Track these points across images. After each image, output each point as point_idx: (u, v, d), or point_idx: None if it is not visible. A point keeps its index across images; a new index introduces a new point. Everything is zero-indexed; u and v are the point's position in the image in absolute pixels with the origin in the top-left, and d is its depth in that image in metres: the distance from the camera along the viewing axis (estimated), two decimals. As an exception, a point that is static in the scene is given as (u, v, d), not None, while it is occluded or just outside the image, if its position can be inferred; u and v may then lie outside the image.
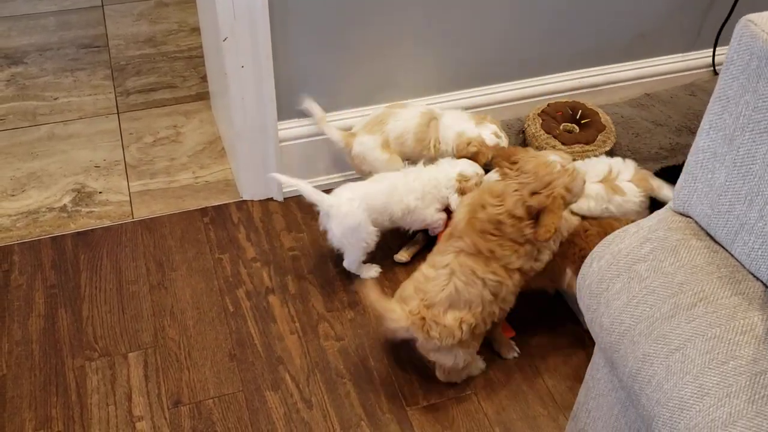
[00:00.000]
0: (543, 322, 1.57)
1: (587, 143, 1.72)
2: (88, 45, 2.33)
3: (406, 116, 1.67)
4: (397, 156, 1.67)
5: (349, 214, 1.52)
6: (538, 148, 1.75)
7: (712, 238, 0.76)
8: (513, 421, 1.40)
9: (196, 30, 2.38)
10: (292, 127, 1.74)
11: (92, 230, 1.73)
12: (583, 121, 1.80)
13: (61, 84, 2.16)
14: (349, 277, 1.63)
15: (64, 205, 1.79)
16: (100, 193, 1.83)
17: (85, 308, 1.56)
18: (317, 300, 1.60)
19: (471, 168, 1.62)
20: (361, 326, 1.55)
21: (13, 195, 1.81)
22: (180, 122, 2.05)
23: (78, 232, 1.72)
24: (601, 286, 0.80)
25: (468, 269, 1.30)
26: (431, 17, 1.70)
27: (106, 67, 2.24)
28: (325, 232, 1.57)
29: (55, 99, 2.11)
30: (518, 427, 1.39)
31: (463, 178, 1.59)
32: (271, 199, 1.83)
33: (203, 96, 2.14)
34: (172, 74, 2.22)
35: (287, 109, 1.71)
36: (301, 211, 1.79)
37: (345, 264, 1.62)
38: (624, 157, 1.62)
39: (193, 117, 2.07)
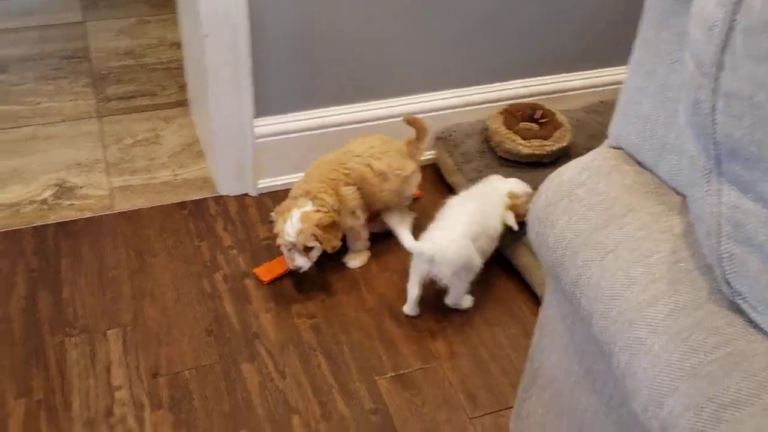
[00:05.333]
0: (499, 299, 1.67)
1: (545, 138, 1.85)
2: (69, 56, 2.42)
3: None
4: None
5: (457, 253, 1.52)
6: (499, 143, 1.87)
7: (639, 164, 0.87)
8: (477, 388, 1.48)
9: (175, 44, 2.49)
10: (269, 124, 1.84)
11: (73, 221, 1.79)
12: (541, 120, 1.93)
13: (42, 90, 2.25)
14: (321, 264, 1.72)
15: (45, 199, 1.85)
16: (81, 187, 1.90)
17: (65, 291, 1.62)
18: (290, 283, 1.67)
19: (521, 187, 1.71)
20: (332, 307, 1.63)
21: (-4, 189, 1.87)
22: (159, 126, 2.14)
23: (59, 222, 1.79)
24: (547, 210, 0.90)
25: None
26: (414, 15, 1.81)
27: (88, 75, 2.33)
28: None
29: (37, 104, 2.19)
30: (482, 393, 1.47)
31: (513, 196, 1.67)
32: (246, 194, 1.92)
33: (182, 103, 2.23)
34: (151, 84, 2.32)
35: (264, 105, 1.81)
36: (274, 205, 1.87)
37: (450, 301, 1.60)
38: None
39: (172, 122, 2.16)
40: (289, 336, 1.56)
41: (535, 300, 1.67)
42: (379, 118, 1.93)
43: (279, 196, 1.89)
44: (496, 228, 1.64)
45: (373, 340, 1.56)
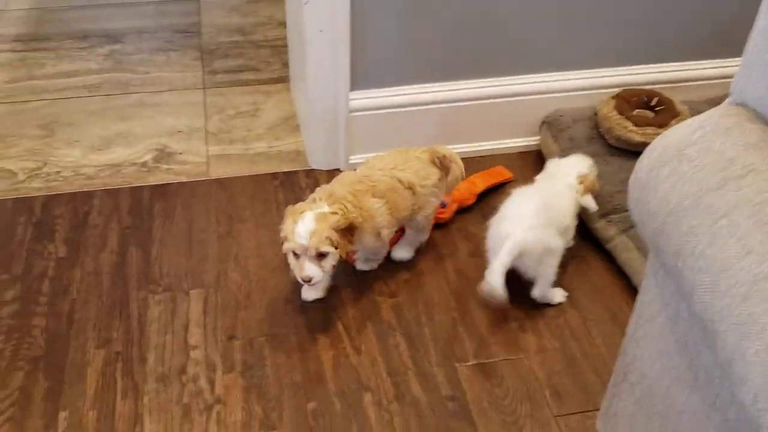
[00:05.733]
0: (598, 296, 1.55)
1: (660, 126, 1.70)
2: (182, 30, 2.47)
3: None
4: None
5: (536, 241, 1.42)
6: (609, 129, 1.74)
7: (766, 122, 0.75)
8: (565, 386, 1.37)
9: (282, 24, 2.49)
10: (364, 98, 1.79)
11: (169, 184, 1.81)
12: (657, 108, 1.78)
13: (153, 61, 2.30)
14: (409, 243, 1.65)
15: (146, 162, 1.88)
16: (180, 153, 1.92)
17: (154, 249, 1.63)
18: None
19: (583, 163, 1.62)
20: (416, 287, 1.56)
21: (100, 150, 1.92)
22: (260, 100, 2.14)
23: (156, 184, 1.81)
24: (649, 175, 0.79)
25: None
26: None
27: (197, 49, 2.37)
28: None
29: (147, 73, 2.24)
30: (570, 392, 1.35)
31: (584, 178, 1.58)
32: (337, 169, 1.88)
33: (283, 80, 2.23)
34: (257, 59, 2.33)
35: (360, 78, 1.77)
36: (367, 182, 1.83)
37: (538, 293, 1.50)
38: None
39: (273, 96, 2.15)
40: (368, 313, 1.50)
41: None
42: (479, 98, 1.84)
43: (372, 173, 1.84)
44: (568, 210, 1.53)
45: (456, 326, 1.48)
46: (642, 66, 1.92)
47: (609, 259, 1.63)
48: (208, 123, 2.03)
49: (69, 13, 2.53)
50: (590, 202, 1.58)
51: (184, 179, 1.83)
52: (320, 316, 1.49)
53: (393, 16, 1.70)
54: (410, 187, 1.50)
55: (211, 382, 1.35)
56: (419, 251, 1.63)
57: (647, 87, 1.89)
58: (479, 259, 1.62)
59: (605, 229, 1.63)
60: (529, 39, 1.80)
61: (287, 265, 1.58)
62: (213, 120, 2.05)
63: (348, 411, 1.31)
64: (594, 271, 1.61)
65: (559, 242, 1.47)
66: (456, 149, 1.72)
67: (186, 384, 1.35)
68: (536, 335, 1.47)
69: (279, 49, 2.38)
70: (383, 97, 1.80)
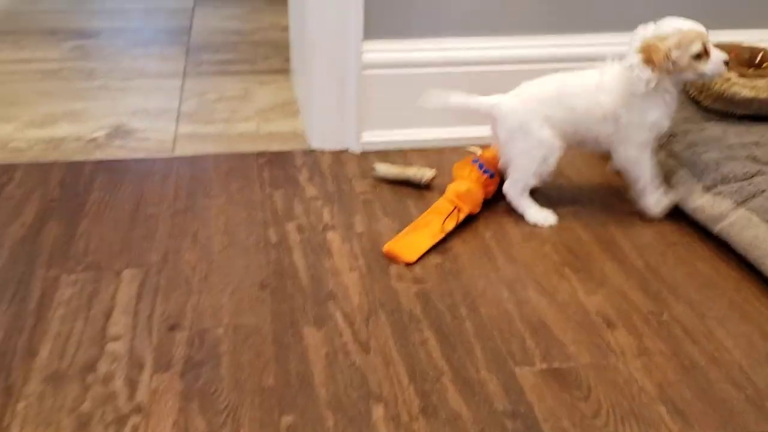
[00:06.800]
0: (714, 286, 1.06)
1: (775, 75, 1.26)
2: (168, 30, 2.12)
3: None
4: None
5: (513, 110, 1.18)
6: (705, 87, 1.31)
7: None
8: (688, 400, 0.86)
9: (287, 29, 2.14)
10: (381, 51, 1.38)
11: (120, 160, 1.38)
12: (764, 65, 1.35)
13: (129, 53, 1.93)
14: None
15: (96, 138, 1.46)
16: (141, 131, 1.50)
17: (83, 224, 1.17)
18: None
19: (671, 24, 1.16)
20: (452, 273, 1.08)
21: (41, 126, 1.50)
22: (253, 87, 1.74)
23: (102, 160, 1.38)
24: None
25: None
26: None
27: (184, 44, 2.00)
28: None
29: (118, 62, 1.86)
30: (697, 408, 0.85)
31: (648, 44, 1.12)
32: (346, 150, 1.44)
33: (284, 71, 1.84)
34: (253, 54, 1.95)
35: (377, 24, 1.36)
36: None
37: (504, 187, 1.22)
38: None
39: (269, 85, 1.76)
40: (381, 301, 1.01)
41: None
42: (527, 60, 1.43)
43: (390, 156, 1.41)
44: (586, 110, 1.17)
45: (512, 319, 0.99)
46: (734, 30, 1.51)
47: (718, 243, 1.16)
48: (183, 105, 1.62)
49: (44, 15, 2.20)
50: (646, 73, 1.11)
51: (141, 156, 1.40)
52: (310, 303, 1.00)
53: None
54: None
55: (132, 385, 0.86)
56: (453, 232, 1.17)
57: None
58: (535, 243, 1.15)
59: (714, 204, 1.16)
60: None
61: (267, 245, 1.13)
62: (189, 102, 1.64)
63: (347, 429, 0.81)
64: (702, 260, 1.13)
65: (544, 135, 1.16)
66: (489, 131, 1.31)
67: (91, 386, 0.85)
68: (632, 334, 0.97)
69: (280, 47, 2.00)
70: (405, 51, 1.39)
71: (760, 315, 1.02)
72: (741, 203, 1.14)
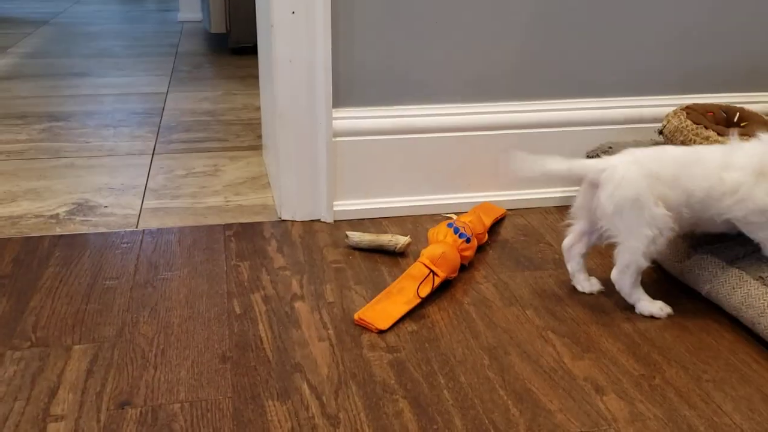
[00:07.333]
0: (708, 348, 0.99)
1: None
2: (139, 112, 2.10)
3: None
4: None
5: (626, 179, 1.04)
6: (683, 143, 1.29)
7: None
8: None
9: (259, 108, 2.13)
10: (352, 118, 1.36)
11: (80, 234, 1.32)
12: (743, 124, 1.34)
13: (98, 133, 1.89)
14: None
15: (57, 214, 1.40)
16: (105, 207, 1.44)
17: (35, 299, 1.09)
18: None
19: None
20: (428, 340, 1.01)
21: (0, 204, 1.45)
22: (223, 162, 1.70)
23: (61, 234, 1.31)
24: None
25: None
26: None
27: (155, 125, 1.98)
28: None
29: (87, 142, 1.82)
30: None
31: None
32: (318, 220, 1.39)
33: (256, 148, 1.81)
34: (225, 132, 1.93)
35: (347, 91, 1.34)
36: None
37: (613, 276, 1.08)
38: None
39: (239, 161, 1.72)
40: (352, 371, 0.94)
41: (773, 348, 0.99)
42: (501, 127, 1.41)
43: (364, 225, 1.36)
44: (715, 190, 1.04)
45: (494, 388, 0.91)
46: (703, 95, 1.51)
47: (707, 303, 1.10)
48: (150, 181, 1.58)
49: (15, 100, 2.18)
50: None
51: (102, 230, 1.34)
52: (275, 376, 0.92)
53: (385, 8, 1.31)
54: None
55: (72, 469, 0.77)
56: (429, 298, 1.10)
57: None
58: (516, 308, 1.09)
59: (702, 264, 1.12)
60: (570, 56, 1.41)
61: (231, 316, 1.06)
62: (157, 179, 1.59)
63: None
64: (692, 321, 1.07)
65: (658, 213, 1.03)
66: (466, 198, 1.29)
67: (25, 471, 0.76)
68: (623, 399, 0.90)
69: (253, 125, 1.99)
70: (376, 118, 1.36)
71: (758, 376, 0.95)
72: (730, 263, 1.09)
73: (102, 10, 4.18)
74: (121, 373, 0.92)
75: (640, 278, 1.08)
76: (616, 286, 1.09)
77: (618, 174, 1.04)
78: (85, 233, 1.32)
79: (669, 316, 1.07)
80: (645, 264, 1.06)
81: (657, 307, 1.08)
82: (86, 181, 1.57)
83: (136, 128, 1.94)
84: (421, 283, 1.09)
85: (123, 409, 0.86)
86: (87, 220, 1.38)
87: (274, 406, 0.87)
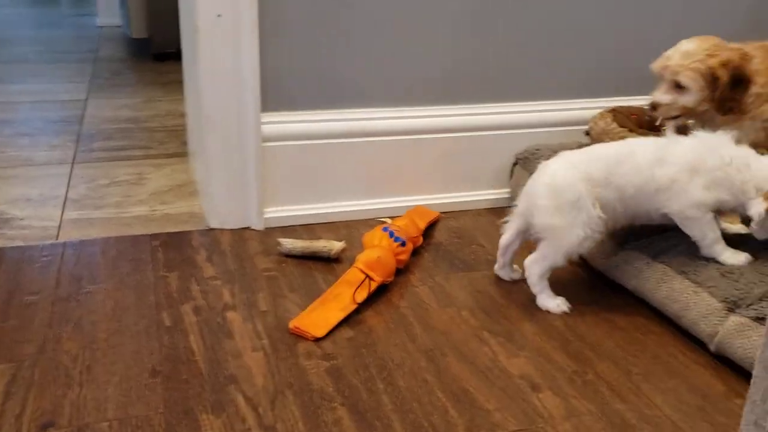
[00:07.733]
0: (637, 342, 1.02)
1: (676, 133, 1.29)
2: (57, 120, 2.01)
3: None
4: None
5: (562, 183, 1.06)
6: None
7: None
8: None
9: (183, 116, 2.08)
10: (281, 122, 1.34)
11: (-4, 248, 1.25)
12: (663, 128, 1.38)
13: (14, 143, 1.81)
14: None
15: (-32, 228, 1.33)
16: (21, 219, 1.37)
17: (-53, 319, 1.03)
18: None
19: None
20: (366, 346, 1.00)
21: None
22: (147, 171, 1.65)
23: (-25, 249, 1.25)
24: None
25: None
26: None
27: (74, 133, 1.90)
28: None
29: (2, 152, 1.74)
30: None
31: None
32: (248, 228, 1.36)
33: (181, 155, 1.76)
34: (149, 140, 1.87)
35: (276, 95, 1.32)
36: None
37: (527, 262, 1.10)
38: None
39: (165, 167, 1.67)
40: (288, 381, 0.92)
41: (692, 345, 1.02)
42: (433, 131, 1.42)
43: (296, 232, 1.34)
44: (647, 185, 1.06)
45: (432, 390, 0.91)
46: (628, 97, 1.55)
47: (634, 298, 1.13)
48: (70, 192, 1.51)
49: None
50: (755, 210, 1.03)
51: (19, 243, 1.27)
52: (208, 389, 0.90)
53: (315, 10, 1.30)
54: None
55: (-9, 498, 0.72)
56: (365, 303, 1.09)
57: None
58: (452, 309, 1.10)
59: (628, 260, 1.15)
60: (500, 61, 1.43)
61: (160, 329, 1.02)
62: (77, 189, 1.53)
63: None
64: (620, 317, 1.10)
65: (593, 214, 1.05)
66: (399, 203, 1.30)
67: (-61, 503, 0.71)
68: (558, 395, 0.91)
69: (178, 132, 1.93)
70: (305, 122, 1.35)
71: (689, 371, 0.98)
72: (654, 257, 1.12)
73: (12, 13, 4.00)
74: (43, 393, 0.88)
75: (549, 274, 1.10)
76: (525, 272, 1.11)
77: (558, 178, 1.06)
78: (1, 247, 1.25)
79: (569, 311, 1.10)
80: (561, 263, 1.09)
81: (555, 303, 1.10)
82: (1, 192, 1.49)
83: (54, 137, 1.87)
84: (357, 289, 1.08)
85: (46, 431, 0.81)
86: (1, 234, 1.31)
87: (209, 419, 0.84)
